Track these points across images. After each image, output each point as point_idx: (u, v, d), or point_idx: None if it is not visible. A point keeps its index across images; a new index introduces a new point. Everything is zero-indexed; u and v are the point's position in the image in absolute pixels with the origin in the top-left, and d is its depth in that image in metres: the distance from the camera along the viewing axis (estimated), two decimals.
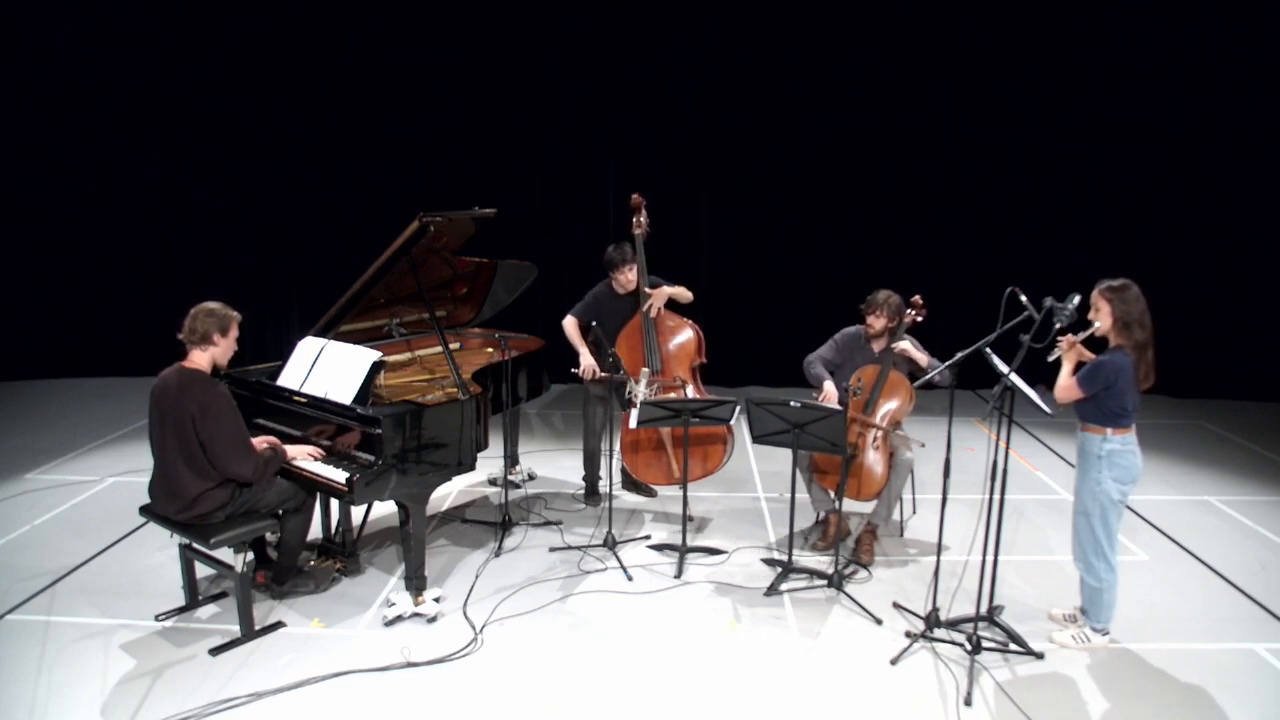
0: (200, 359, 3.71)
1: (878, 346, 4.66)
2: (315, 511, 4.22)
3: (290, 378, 4.22)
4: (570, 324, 5.13)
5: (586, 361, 5.03)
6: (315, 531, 4.30)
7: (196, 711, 3.29)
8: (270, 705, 3.35)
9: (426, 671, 3.59)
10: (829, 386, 4.62)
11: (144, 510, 3.88)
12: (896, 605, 4.14)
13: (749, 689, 3.51)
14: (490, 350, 5.39)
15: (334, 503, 4.48)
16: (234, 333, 3.78)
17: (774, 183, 8.15)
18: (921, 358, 4.50)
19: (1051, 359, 3.65)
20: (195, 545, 3.82)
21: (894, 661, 3.68)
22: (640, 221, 5.09)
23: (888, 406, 4.54)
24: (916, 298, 4.57)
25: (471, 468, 4.17)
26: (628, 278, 5.04)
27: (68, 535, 4.86)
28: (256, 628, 3.80)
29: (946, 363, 3.77)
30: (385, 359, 4.16)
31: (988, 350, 3.67)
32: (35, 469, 5.93)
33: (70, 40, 7.77)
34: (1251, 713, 3.39)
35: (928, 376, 4.20)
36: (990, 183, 8.03)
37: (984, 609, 3.76)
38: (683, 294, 5.15)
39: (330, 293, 4.73)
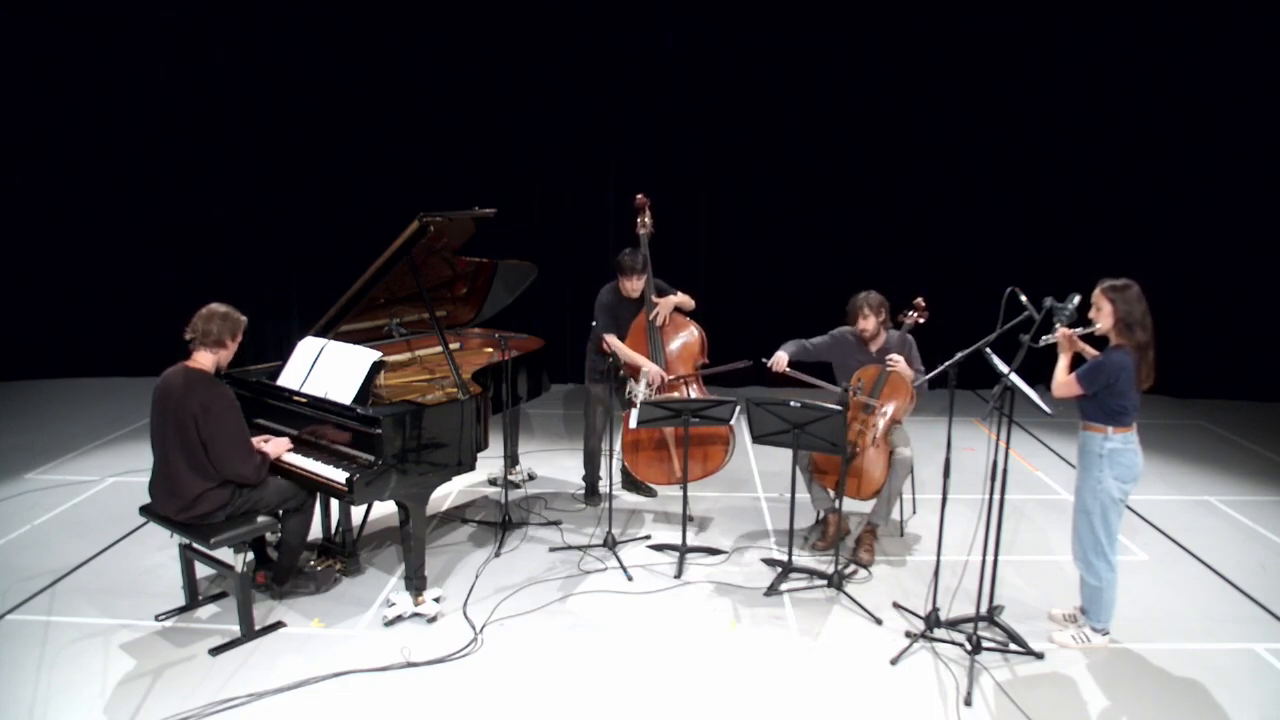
0: (205, 360, 3.72)
1: (875, 346, 4.66)
2: (315, 511, 4.22)
3: (290, 378, 4.22)
4: (613, 339, 5.02)
5: (652, 368, 4.93)
6: (315, 531, 4.30)
7: (196, 711, 3.29)
8: (270, 705, 3.35)
9: (426, 671, 3.59)
10: (780, 354, 4.63)
11: (144, 510, 3.88)
12: (896, 605, 4.14)
13: (749, 689, 3.51)
14: (490, 350, 5.39)
15: (334, 503, 4.48)
16: (240, 337, 3.80)
17: (774, 182, 8.15)
18: (907, 372, 4.52)
19: (1043, 343, 3.61)
20: (195, 545, 3.82)
21: (894, 661, 3.68)
22: (645, 222, 5.09)
23: (888, 406, 4.54)
24: (919, 299, 4.57)
25: (471, 468, 4.17)
26: (634, 286, 5.02)
27: (68, 535, 4.86)
28: (256, 628, 3.80)
29: (945, 363, 3.76)
30: (385, 359, 4.17)
31: (988, 350, 3.67)
32: (35, 469, 5.93)
33: (73, 42, 7.77)
34: (1251, 713, 3.39)
35: (916, 384, 4.37)
36: (990, 182, 8.04)
37: (984, 609, 3.76)
38: (687, 302, 5.16)
39: (330, 293, 4.73)
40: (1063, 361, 3.67)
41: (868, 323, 4.59)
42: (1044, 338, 3.60)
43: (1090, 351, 3.70)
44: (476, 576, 4.40)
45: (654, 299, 5.03)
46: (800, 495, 4.54)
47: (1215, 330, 7.84)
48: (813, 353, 4.77)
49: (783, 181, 8.13)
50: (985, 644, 3.68)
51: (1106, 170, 7.88)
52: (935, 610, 3.87)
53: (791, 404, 4.07)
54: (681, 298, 5.13)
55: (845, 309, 4.66)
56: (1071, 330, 3.61)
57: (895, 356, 4.50)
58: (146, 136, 8.03)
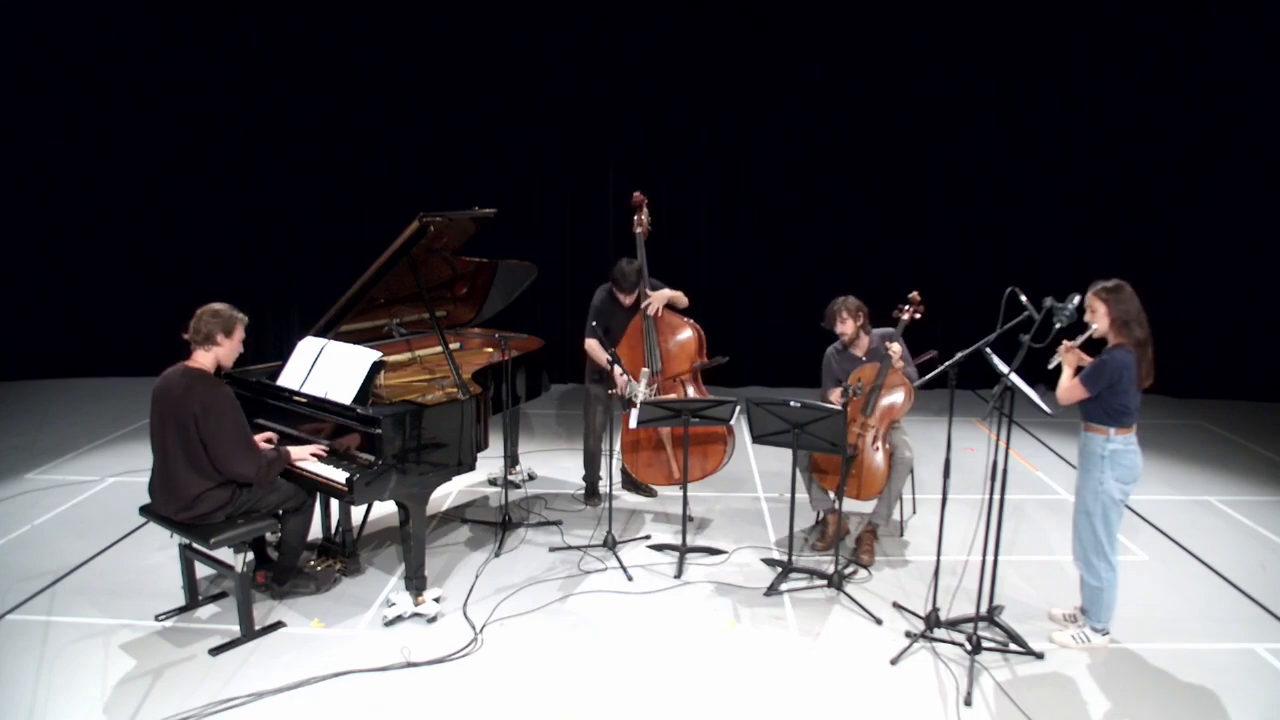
0: (204, 359, 3.72)
1: (860, 349, 4.67)
2: (315, 511, 4.22)
3: (290, 378, 4.22)
4: (592, 345, 5.03)
5: (623, 379, 4.89)
6: (315, 531, 4.30)
7: (196, 711, 3.29)
8: (270, 705, 3.35)
9: (426, 671, 3.59)
10: (835, 393, 4.64)
11: (144, 510, 3.88)
12: (896, 605, 4.14)
13: (749, 689, 3.51)
14: (490, 350, 5.39)
15: (334, 503, 4.48)
16: (239, 334, 3.79)
17: (774, 182, 8.15)
18: (899, 364, 4.53)
19: (1051, 366, 3.66)
20: (195, 545, 3.82)
21: (894, 661, 3.68)
22: (641, 220, 5.08)
23: (887, 403, 4.54)
24: (913, 294, 4.56)
25: (471, 468, 4.17)
26: (626, 301, 5.01)
27: (68, 535, 4.86)
28: (256, 628, 3.80)
29: (945, 363, 3.76)
30: (385, 359, 4.16)
31: (987, 350, 3.67)
32: (35, 469, 5.93)
33: (75, 43, 7.78)
34: (1251, 713, 3.39)
35: (916, 384, 4.38)
36: (990, 182, 8.03)
37: (984, 609, 3.76)
38: (679, 299, 5.15)
39: (330, 293, 4.73)
40: (1067, 371, 3.68)
41: (846, 326, 4.60)
42: (1052, 361, 3.64)
43: (1089, 360, 3.71)
44: (476, 576, 4.40)
45: (648, 291, 5.03)
46: (800, 495, 4.54)
47: (1215, 330, 7.83)
48: (830, 383, 4.77)
49: (785, 180, 8.12)
50: (985, 644, 3.68)
51: (1107, 169, 7.88)
52: (935, 610, 3.87)
53: (791, 404, 4.07)
54: (674, 293, 5.12)
55: (823, 313, 4.66)
56: (1072, 342, 3.63)
57: (894, 346, 4.49)
58: (147, 137, 8.03)
